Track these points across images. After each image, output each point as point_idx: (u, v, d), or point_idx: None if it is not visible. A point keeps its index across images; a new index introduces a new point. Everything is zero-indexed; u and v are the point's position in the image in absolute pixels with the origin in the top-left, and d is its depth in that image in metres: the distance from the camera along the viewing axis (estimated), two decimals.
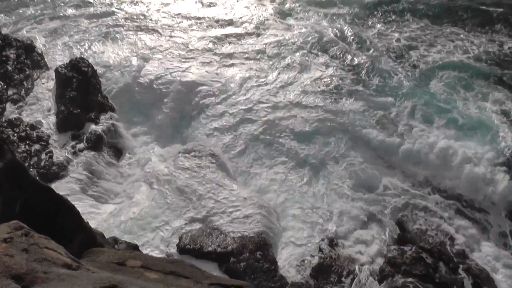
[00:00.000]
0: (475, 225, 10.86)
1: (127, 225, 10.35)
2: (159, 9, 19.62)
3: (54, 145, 12.32)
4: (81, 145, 12.16)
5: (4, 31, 16.19)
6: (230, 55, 16.48)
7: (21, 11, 19.48)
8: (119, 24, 18.36)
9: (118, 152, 12.67)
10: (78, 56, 14.92)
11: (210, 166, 11.90)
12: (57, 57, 16.16)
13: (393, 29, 17.96)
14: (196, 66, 15.73)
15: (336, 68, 15.69)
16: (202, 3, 20.18)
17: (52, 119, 13.06)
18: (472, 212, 11.16)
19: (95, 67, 14.28)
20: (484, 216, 11.07)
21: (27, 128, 12.42)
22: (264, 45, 17.01)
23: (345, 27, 17.96)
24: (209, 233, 10.06)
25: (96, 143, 12.24)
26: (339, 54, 16.48)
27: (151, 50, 16.61)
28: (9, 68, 13.98)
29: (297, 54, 16.47)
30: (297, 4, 20.02)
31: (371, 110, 13.70)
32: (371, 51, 16.54)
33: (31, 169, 11.30)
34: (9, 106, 13.12)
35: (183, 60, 16.09)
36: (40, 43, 16.74)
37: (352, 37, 17.36)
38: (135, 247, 6.39)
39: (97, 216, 10.51)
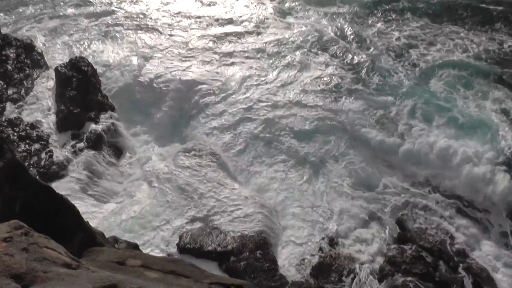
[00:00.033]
0: (475, 224, 10.85)
1: (128, 224, 10.36)
2: (158, 8, 19.61)
3: (54, 144, 12.32)
4: (81, 145, 12.15)
5: (4, 30, 16.18)
6: (230, 54, 16.47)
7: (20, 10, 19.47)
8: (118, 23, 18.35)
9: (118, 152, 12.67)
10: (78, 55, 14.91)
11: (210, 165, 11.90)
12: (57, 56, 16.16)
13: (393, 27, 17.95)
14: (196, 65, 15.73)
15: (336, 67, 15.69)
16: (201, 2, 20.17)
17: (52, 118, 13.06)
18: (472, 212, 11.16)
19: (95, 66, 14.28)
20: (484, 216, 11.07)
21: (27, 128, 12.42)
22: (264, 44, 17.00)
23: (345, 26, 17.94)
24: (209, 232, 10.06)
25: (96, 143, 12.23)
26: (339, 53, 16.47)
27: (151, 49, 16.61)
28: (9, 67, 13.98)
29: (297, 53, 16.46)
30: (296, 3, 20.01)
31: (371, 109, 13.70)
32: (371, 50, 16.54)
33: (31, 169, 11.29)
34: (9, 106, 13.12)
35: (183, 59, 16.09)
36: (40, 42, 16.73)
37: (352, 36, 17.35)
38: (135, 246, 6.40)
39: (97, 215, 10.51)
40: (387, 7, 19.27)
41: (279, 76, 15.32)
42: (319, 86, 14.80)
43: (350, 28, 17.79)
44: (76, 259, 3.02)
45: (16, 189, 4.12)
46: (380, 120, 13.37)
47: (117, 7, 19.66)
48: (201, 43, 17.07)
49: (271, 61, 16.15)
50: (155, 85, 14.57)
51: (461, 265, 9.73)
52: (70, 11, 19.37)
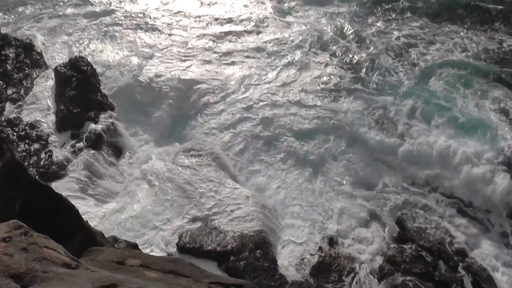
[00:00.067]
0: (475, 224, 10.87)
1: (127, 223, 10.36)
2: (158, 8, 19.59)
3: (53, 144, 12.31)
4: (81, 144, 12.15)
5: (3, 30, 16.16)
6: (229, 53, 16.47)
7: (20, 9, 19.45)
8: (118, 23, 18.33)
9: (117, 151, 12.66)
10: (78, 55, 14.89)
11: (210, 164, 11.90)
12: (56, 56, 16.14)
13: (393, 27, 17.94)
14: (195, 65, 15.72)
15: (335, 67, 15.69)
16: (201, 1, 20.13)
17: (52, 118, 13.05)
18: (471, 211, 11.17)
19: (94, 66, 14.26)
20: (484, 215, 11.08)
21: (27, 127, 12.42)
22: (264, 43, 16.99)
23: (345, 25, 17.93)
24: (209, 232, 10.07)
25: (95, 142, 12.22)
26: (339, 52, 16.47)
27: (151, 48, 16.59)
28: (9, 67, 13.96)
29: (297, 52, 16.46)
30: (296, 2, 19.99)
31: (370, 109, 13.70)
32: (370, 49, 16.53)
33: (31, 169, 11.29)
34: (8, 106, 13.11)
35: (183, 58, 16.08)
36: (39, 42, 16.71)
37: (351, 36, 17.34)
38: (135, 246, 6.39)
39: (97, 215, 10.51)
40: (387, 7, 19.25)
41: (279, 76, 15.32)
42: (318, 85, 14.80)
43: (349, 27, 17.78)
44: (75, 259, 3.02)
45: (15, 189, 4.12)
46: (380, 120, 13.37)
47: (116, 7, 19.63)
48: (201, 42, 17.07)
49: (270, 60, 16.14)
50: (154, 84, 14.56)
51: (460, 264, 9.75)
52: (70, 10, 19.34)
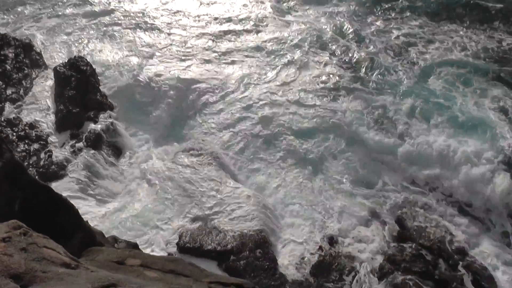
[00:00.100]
0: (474, 223, 10.87)
1: (127, 223, 10.36)
2: (157, 7, 19.57)
3: (53, 144, 12.30)
4: (80, 144, 12.14)
5: (2, 30, 16.16)
6: (229, 53, 16.46)
7: (19, 9, 19.42)
8: (117, 22, 18.31)
9: (117, 151, 12.65)
10: (77, 54, 14.88)
11: (210, 164, 11.91)
12: (56, 56, 16.11)
13: (392, 26, 17.93)
14: (195, 64, 15.71)
15: (335, 66, 15.69)
16: (200, 1, 20.12)
17: (51, 118, 13.04)
18: (471, 210, 11.18)
19: (93, 66, 14.25)
20: (484, 214, 11.08)
21: (26, 128, 12.41)
22: (263, 43, 16.98)
23: (344, 25, 17.92)
24: (209, 231, 10.07)
25: (95, 142, 12.21)
26: (338, 51, 16.47)
27: (150, 48, 16.58)
28: (8, 67, 13.95)
29: (296, 51, 16.45)
30: (295, 2, 19.98)
31: (369, 108, 13.70)
32: (370, 49, 16.53)
33: (30, 169, 11.28)
34: (8, 106, 13.10)
35: (182, 58, 16.07)
36: (38, 41, 16.69)
37: (351, 35, 17.33)
38: (135, 246, 6.40)
39: (96, 215, 10.51)
40: (386, 6, 19.24)
41: (278, 75, 15.31)
42: (318, 84, 14.80)
43: (349, 26, 17.77)
44: (75, 258, 3.02)
45: (15, 189, 4.12)
46: (379, 120, 13.36)
47: (116, 6, 19.61)
48: (200, 42, 17.05)
49: (270, 59, 16.13)
50: (154, 84, 14.55)
51: (460, 263, 9.75)
52: (69, 10, 19.31)
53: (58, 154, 11.87)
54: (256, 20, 18.49)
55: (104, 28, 17.84)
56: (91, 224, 5.69)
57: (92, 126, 12.58)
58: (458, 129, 12.82)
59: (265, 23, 18.33)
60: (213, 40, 17.15)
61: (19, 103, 13.40)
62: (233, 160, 12.43)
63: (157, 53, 16.22)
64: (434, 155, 12.14)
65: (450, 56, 15.86)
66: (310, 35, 17.25)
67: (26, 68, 14.43)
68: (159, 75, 14.87)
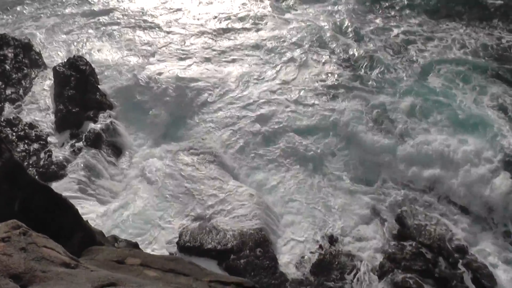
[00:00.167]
0: (474, 221, 10.87)
1: (127, 223, 10.36)
2: (157, 6, 19.56)
3: (53, 143, 12.30)
4: (80, 144, 12.14)
5: (2, 30, 16.15)
6: (228, 51, 16.45)
7: (18, 9, 19.41)
8: (116, 21, 18.31)
9: (117, 150, 12.65)
10: (76, 54, 14.88)
11: (210, 163, 11.92)
12: (55, 56, 16.12)
13: (391, 24, 17.91)
14: (194, 63, 15.70)
15: (334, 64, 15.67)
16: None
17: (51, 118, 13.04)
18: (471, 208, 11.15)
19: (93, 65, 14.25)
20: (484, 213, 11.05)
21: (26, 127, 12.41)
22: (263, 41, 16.97)
23: (343, 23, 17.91)
24: (209, 230, 10.07)
25: (95, 142, 12.21)
26: (338, 49, 16.44)
27: (149, 47, 16.57)
28: (7, 67, 13.95)
29: (296, 50, 16.44)
30: (295, 0, 19.95)
31: (369, 107, 13.67)
32: (369, 47, 16.51)
33: (30, 168, 11.29)
34: (7, 106, 13.10)
35: (182, 56, 16.06)
36: (38, 41, 16.69)
37: (350, 33, 17.32)
38: (135, 245, 6.40)
39: (96, 214, 10.51)
40: (385, 4, 19.23)
41: (278, 73, 15.30)
42: (317, 83, 14.79)
43: (348, 24, 17.75)
44: (75, 258, 3.02)
45: (15, 189, 4.12)
46: (379, 118, 13.34)
47: (115, 5, 19.60)
48: (200, 40, 17.05)
49: (269, 58, 16.12)
50: (153, 83, 14.53)
51: (460, 261, 9.75)
52: (68, 9, 19.30)
53: (58, 154, 11.88)
54: (255, 19, 18.47)
55: (103, 27, 17.84)
56: (91, 223, 5.69)
57: (91, 125, 12.58)
58: (457, 127, 12.79)
59: (264, 22, 18.31)
60: (212, 39, 17.14)
61: (19, 103, 13.40)
62: (233, 158, 12.42)
63: (157, 52, 16.21)
64: (433, 154, 12.09)
65: (449, 53, 15.85)
66: (309, 34, 17.24)
67: (25, 68, 14.44)
68: (158, 74, 14.86)
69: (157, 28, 17.81)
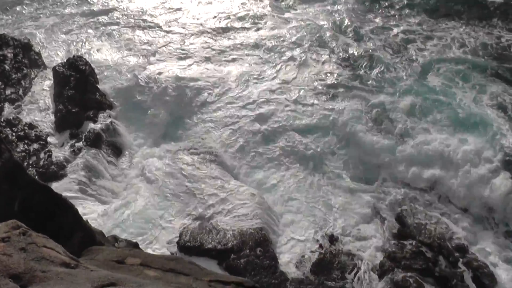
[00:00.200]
0: (474, 220, 10.85)
1: (127, 223, 10.36)
2: (156, 6, 19.57)
3: (53, 144, 12.30)
4: (80, 144, 12.14)
5: (1, 30, 16.14)
6: (228, 51, 16.45)
7: (17, 9, 19.42)
8: (116, 21, 18.31)
9: (117, 150, 12.64)
10: (76, 54, 14.88)
11: (210, 162, 11.91)
12: (55, 56, 16.12)
13: (391, 23, 17.91)
14: (194, 62, 15.71)
15: (333, 63, 15.67)
16: None
17: (51, 118, 13.04)
18: (471, 208, 11.14)
19: (92, 65, 14.24)
20: (484, 212, 11.03)
21: (26, 128, 12.40)
22: (262, 40, 16.97)
23: (343, 22, 17.91)
24: (209, 230, 10.07)
25: (95, 142, 12.21)
26: (337, 49, 16.44)
27: (149, 46, 16.58)
28: (7, 67, 13.95)
29: (295, 49, 16.44)
30: None
31: (368, 106, 13.67)
32: (369, 46, 16.50)
33: (30, 169, 11.28)
34: (7, 106, 13.10)
35: (181, 56, 16.07)
36: (37, 41, 16.69)
37: (350, 32, 17.31)
38: (135, 245, 6.40)
39: (96, 214, 10.50)
40: (385, 3, 19.23)
41: (278, 73, 15.30)
42: (317, 82, 14.79)
43: (348, 24, 17.75)
44: (75, 258, 3.01)
45: (14, 189, 4.12)
46: (378, 118, 13.33)
47: (114, 5, 19.60)
48: (199, 40, 17.05)
49: (269, 57, 16.12)
50: (153, 82, 14.53)
51: (461, 260, 9.74)
52: (68, 9, 19.32)
53: (58, 154, 11.87)
54: (255, 18, 18.47)
55: (103, 27, 17.84)
56: (92, 223, 5.69)
57: (91, 125, 12.58)
58: (457, 126, 12.77)
59: (264, 21, 18.31)
60: (212, 39, 17.14)
61: (18, 103, 13.40)
62: (233, 157, 12.42)
63: (156, 52, 16.22)
64: (433, 153, 12.07)
65: (449, 52, 15.83)
66: (309, 33, 17.24)
67: (25, 68, 14.44)
68: (158, 74, 14.86)
69: (156, 28, 17.81)
